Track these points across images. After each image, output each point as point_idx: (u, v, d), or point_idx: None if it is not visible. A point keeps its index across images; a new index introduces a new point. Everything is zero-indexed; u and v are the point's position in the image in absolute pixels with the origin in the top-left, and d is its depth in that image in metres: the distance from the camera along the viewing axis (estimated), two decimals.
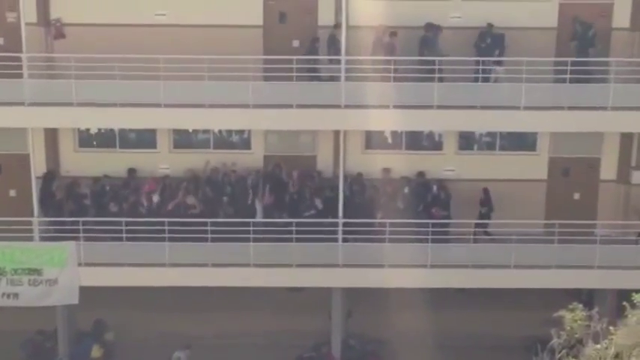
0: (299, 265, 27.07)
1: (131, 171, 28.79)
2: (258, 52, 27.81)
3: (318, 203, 27.69)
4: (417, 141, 29.25)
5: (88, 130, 29.26)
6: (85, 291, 27.19)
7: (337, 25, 26.95)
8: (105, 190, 28.17)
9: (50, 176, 28.19)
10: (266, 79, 26.98)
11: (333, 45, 26.97)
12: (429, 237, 26.60)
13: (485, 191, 28.23)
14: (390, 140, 29.15)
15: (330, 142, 28.67)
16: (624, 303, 16.87)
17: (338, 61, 26.40)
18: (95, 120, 27.08)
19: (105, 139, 29.38)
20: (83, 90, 26.12)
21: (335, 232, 27.06)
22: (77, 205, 27.85)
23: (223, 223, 26.81)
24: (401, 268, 26.96)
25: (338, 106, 26.19)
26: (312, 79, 26.76)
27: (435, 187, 28.14)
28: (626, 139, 28.75)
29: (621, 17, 27.98)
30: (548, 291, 27.00)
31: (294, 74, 26.03)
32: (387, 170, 28.58)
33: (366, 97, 26.06)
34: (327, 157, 28.98)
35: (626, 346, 16.22)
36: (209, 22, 27.73)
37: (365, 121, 26.72)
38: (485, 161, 29.11)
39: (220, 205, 27.94)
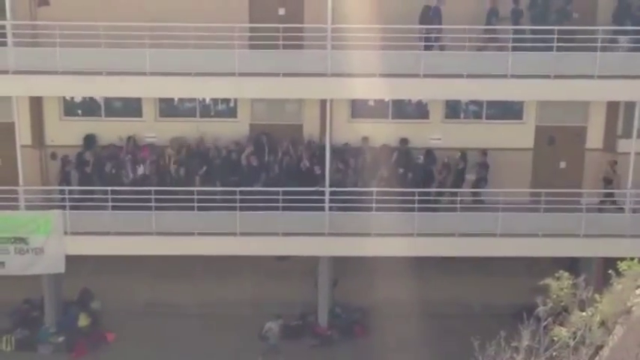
0: (285, 234, 27.07)
1: (129, 139, 28.70)
2: (244, 20, 27.67)
3: (317, 169, 27.68)
4: (403, 110, 29.21)
5: (73, 98, 29.11)
6: (70, 259, 27.15)
7: None
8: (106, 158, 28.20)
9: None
10: (252, 47, 26.88)
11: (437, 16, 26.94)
12: (415, 205, 26.62)
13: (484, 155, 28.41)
14: (375, 109, 29.10)
15: (317, 111, 28.60)
16: (610, 271, 16.95)
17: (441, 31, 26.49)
18: (80, 88, 26.91)
19: (90, 108, 29.23)
20: (68, 58, 25.94)
21: (322, 201, 27.08)
22: (81, 174, 27.85)
23: (210, 192, 26.79)
24: (387, 237, 26.99)
25: (324, 75, 26.12)
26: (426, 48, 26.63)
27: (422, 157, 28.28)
28: (613, 107, 28.75)
29: None
30: (535, 259, 27.13)
31: (281, 42, 25.93)
32: (365, 139, 28.56)
33: (352, 66, 25.98)
34: (313, 126, 28.91)
35: (611, 313, 16.32)
36: None
37: (351, 90, 26.65)
38: (471, 130, 29.10)
39: (206, 175, 27.91)
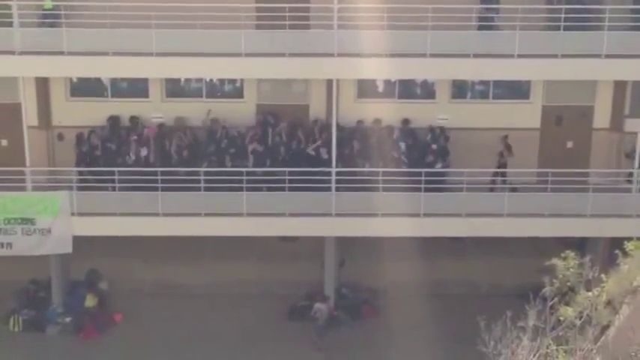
0: (292, 214, 27.09)
1: (133, 119, 28.76)
2: (250, 1, 27.63)
3: (324, 153, 27.69)
4: (409, 90, 29.15)
5: (79, 79, 29.10)
6: (78, 240, 27.21)
7: None
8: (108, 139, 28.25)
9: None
10: (258, 27, 26.79)
11: None
12: (422, 186, 26.60)
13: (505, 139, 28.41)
14: (382, 89, 29.06)
15: (323, 91, 28.56)
16: (616, 251, 16.93)
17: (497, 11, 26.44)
18: (86, 69, 26.88)
19: (96, 89, 29.23)
20: (74, 39, 25.93)
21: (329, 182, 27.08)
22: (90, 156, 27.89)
23: (217, 173, 26.80)
24: (394, 217, 26.99)
25: (331, 55, 26.06)
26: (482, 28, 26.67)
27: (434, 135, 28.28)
28: (620, 87, 28.66)
29: None
30: (541, 239, 27.10)
31: (287, 22, 25.87)
32: (377, 120, 28.51)
33: (359, 46, 25.92)
34: (319, 106, 28.88)
35: (618, 293, 16.32)
36: None
37: (357, 70, 26.58)
38: (478, 110, 29.04)
39: (213, 157, 27.94)
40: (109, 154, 27.90)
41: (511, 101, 29.14)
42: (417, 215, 26.94)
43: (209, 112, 28.53)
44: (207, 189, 26.73)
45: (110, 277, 29.79)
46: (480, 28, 26.75)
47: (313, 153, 27.87)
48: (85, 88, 29.20)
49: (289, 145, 28.11)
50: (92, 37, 25.86)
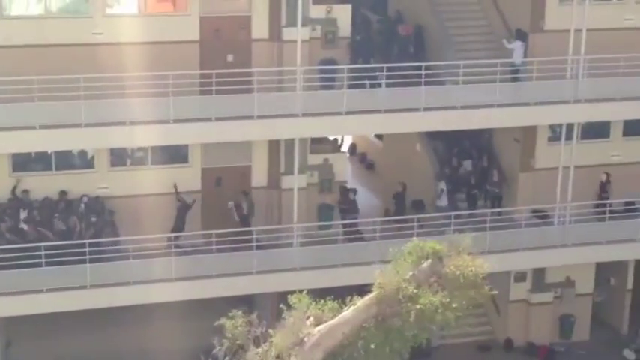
0: None
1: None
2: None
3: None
4: (68, 160, 28.58)
5: None
6: None
7: None
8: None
9: None
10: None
11: None
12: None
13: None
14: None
15: None
16: (281, 305, 17.40)
17: None
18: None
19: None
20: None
21: None
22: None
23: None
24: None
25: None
26: None
27: None
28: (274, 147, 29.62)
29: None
30: (208, 300, 27.27)
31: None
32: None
33: None
34: None
35: (285, 346, 16.74)
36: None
37: None
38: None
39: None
40: None
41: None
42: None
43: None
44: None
45: None
46: None
47: None
48: None
49: None
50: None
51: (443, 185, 31.27)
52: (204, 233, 28.22)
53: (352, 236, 29.58)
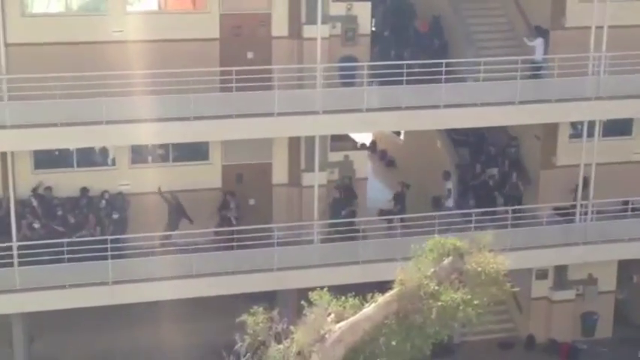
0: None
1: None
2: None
3: None
4: (90, 158, 28.71)
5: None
6: None
7: None
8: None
9: None
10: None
11: None
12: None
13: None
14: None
15: None
16: (302, 302, 17.42)
17: None
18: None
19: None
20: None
21: None
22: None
23: None
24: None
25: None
26: None
27: None
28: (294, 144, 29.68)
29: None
30: (229, 297, 27.32)
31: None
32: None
33: None
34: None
35: (307, 342, 16.76)
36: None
37: None
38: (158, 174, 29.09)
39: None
40: None
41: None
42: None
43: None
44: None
45: None
46: None
47: None
48: None
49: None
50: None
51: (450, 185, 31.18)
52: (217, 231, 28.41)
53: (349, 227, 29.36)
